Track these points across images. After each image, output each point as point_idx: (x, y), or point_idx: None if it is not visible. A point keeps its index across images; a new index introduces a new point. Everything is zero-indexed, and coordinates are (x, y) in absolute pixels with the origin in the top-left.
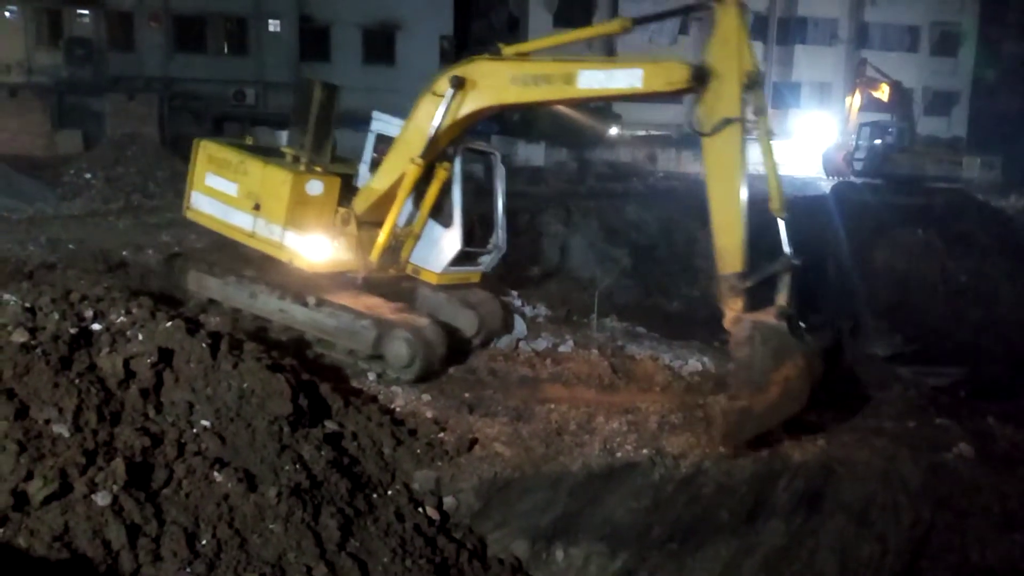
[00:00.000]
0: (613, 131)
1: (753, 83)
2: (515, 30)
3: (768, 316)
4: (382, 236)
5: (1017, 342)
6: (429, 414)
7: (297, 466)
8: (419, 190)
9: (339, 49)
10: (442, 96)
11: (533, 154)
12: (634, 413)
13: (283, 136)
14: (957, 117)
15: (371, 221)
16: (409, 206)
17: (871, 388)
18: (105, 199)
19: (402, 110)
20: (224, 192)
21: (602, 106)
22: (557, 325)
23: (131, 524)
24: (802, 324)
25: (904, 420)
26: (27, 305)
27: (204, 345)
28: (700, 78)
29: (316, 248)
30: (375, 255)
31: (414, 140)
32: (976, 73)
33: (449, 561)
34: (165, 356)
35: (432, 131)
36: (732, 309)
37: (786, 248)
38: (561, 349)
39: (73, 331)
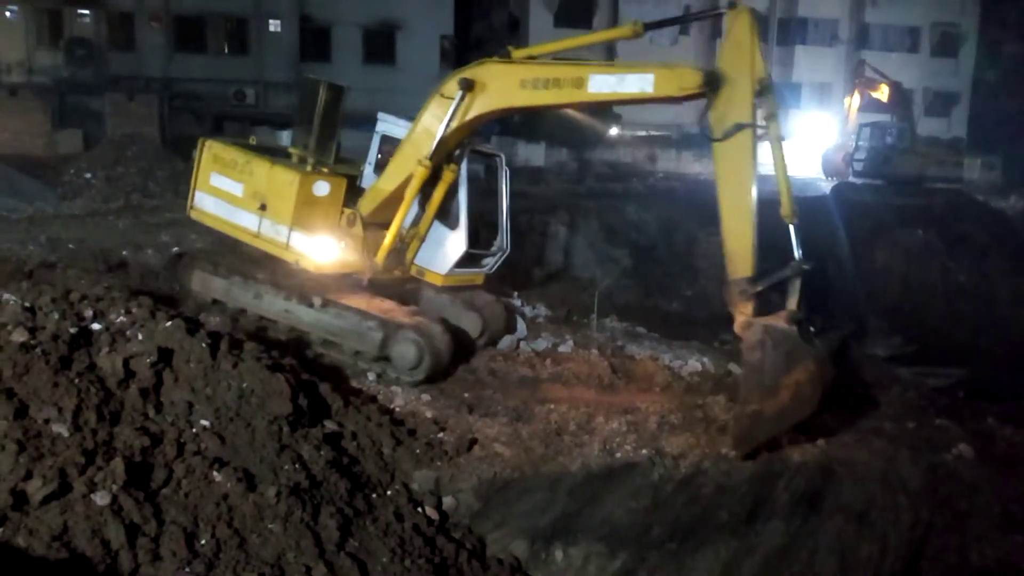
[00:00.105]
0: (613, 131)
1: (765, 88)
2: (516, 30)
3: (779, 320)
4: (388, 238)
5: (1017, 343)
6: (429, 414)
7: (296, 466)
8: (425, 192)
9: (339, 49)
10: (451, 98)
11: (533, 154)
12: (633, 413)
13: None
14: (957, 118)
15: (376, 222)
16: (415, 208)
17: (871, 389)
18: (105, 199)
19: (403, 110)
20: (229, 192)
21: None
22: (557, 325)
23: (130, 524)
24: (812, 328)
25: (904, 421)
26: (27, 304)
27: (204, 345)
28: (712, 83)
29: (322, 249)
30: (381, 256)
31: (422, 142)
32: (976, 74)
33: (448, 561)
34: (165, 356)
35: (440, 133)
36: (742, 313)
37: (796, 253)
38: (561, 349)
39: (73, 331)
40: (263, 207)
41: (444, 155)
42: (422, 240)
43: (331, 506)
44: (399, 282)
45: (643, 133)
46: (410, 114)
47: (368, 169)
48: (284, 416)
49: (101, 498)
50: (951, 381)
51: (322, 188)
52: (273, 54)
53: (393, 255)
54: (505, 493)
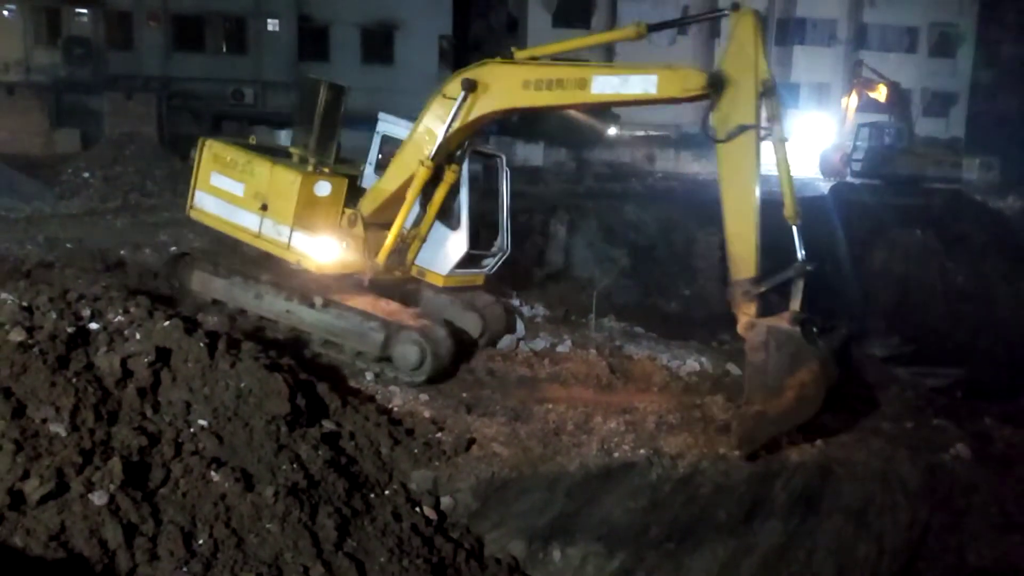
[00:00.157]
0: (612, 131)
1: (768, 90)
2: (514, 30)
3: (782, 321)
4: (390, 238)
5: (1015, 343)
6: (427, 414)
7: (294, 466)
8: (426, 192)
9: (338, 49)
10: (453, 99)
11: (532, 154)
12: (632, 413)
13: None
14: (955, 118)
15: (377, 222)
16: (416, 208)
17: (869, 389)
18: (103, 198)
19: (402, 110)
20: (230, 192)
21: None
22: (555, 325)
23: (128, 523)
24: (815, 329)
25: (902, 421)
26: (24, 304)
27: (202, 344)
28: (716, 85)
29: (324, 249)
30: (382, 257)
31: (424, 142)
32: (974, 74)
33: (446, 561)
34: (163, 355)
35: (442, 134)
36: (746, 314)
37: (799, 254)
38: (559, 349)
39: (70, 330)
40: (264, 207)
41: (446, 156)
42: (423, 241)
43: (329, 506)
44: (399, 283)
45: (642, 133)
46: (409, 114)
47: (368, 169)
48: (282, 416)
49: (99, 498)
50: (949, 381)
51: (323, 188)
52: (271, 53)
53: (394, 255)
54: (503, 493)
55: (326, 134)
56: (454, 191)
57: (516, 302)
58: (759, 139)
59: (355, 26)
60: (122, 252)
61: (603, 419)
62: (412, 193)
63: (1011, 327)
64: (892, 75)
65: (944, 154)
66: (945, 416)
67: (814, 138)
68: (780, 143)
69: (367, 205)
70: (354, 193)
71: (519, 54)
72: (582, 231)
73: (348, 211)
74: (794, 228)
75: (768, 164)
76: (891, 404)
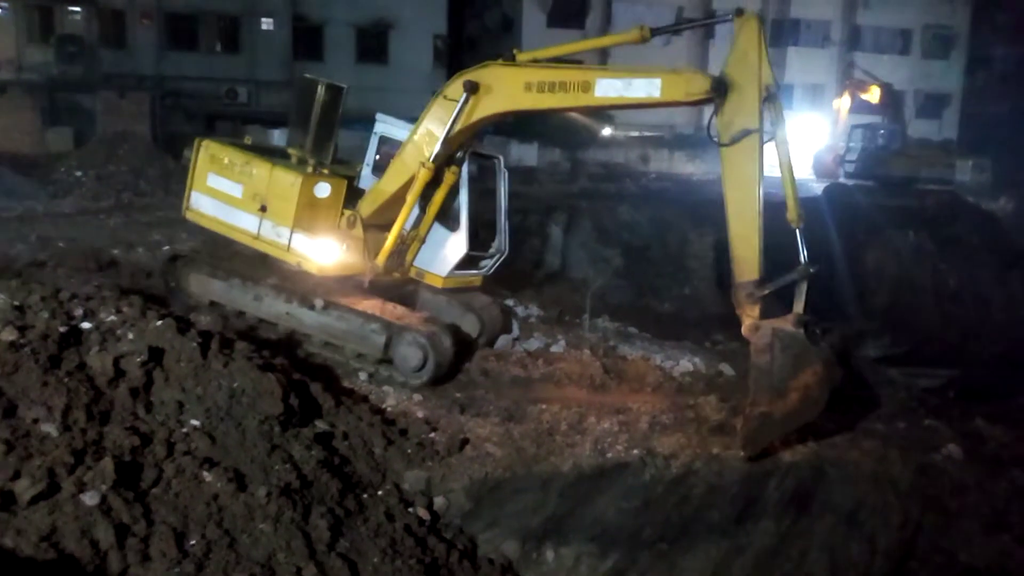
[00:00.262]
0: (606, 131)
1: (771, 95)
2: (509, 30)
3: (786, 323)
4: (390, 240)
5: (1006, 344)
6: (420, 414)
7: (287, 466)
8: (425, 193)
9: (332, 48)
10: (454, 101)
11: (526, 154)
12: (625, 413)
13: (275, 134)
14: (948, 119)
15: (376, 224)
16: (415, 209)
17: (862, 389)
18: (96, 197)
19: (396, 109)
20: (227, 193)
21: None
22: (549, 325)
23: (119, 524)
24: (818, 330)
25: (894, 421)
26: (16, 303)
27: (194, 344)
28: (719, 89)
29: (324, 251)
30: (382, 258)
31: (424, 144)
32: (967, 76)
33: (439, 561)
34: (155, 355)
35: (443, 136)
36: (749, 316)
37: (802, 256)
38: (553, 349)
39: (63, 330)
40: (263, 209)
41: (447, 157)
42: (422, 242)
43: (322, 506)
44: (398, 284)
45: (636, 133)
46: (403, 113)
47: (366, 170)
48: (275, 416)
49: (90, 498)
50: (941, 382)
51: (323, 190)
52: (265, 53)
53: (393, 257)
54: (496, 493)
55: (323, 135)
56: (453, 192)
57: (510, 302)
58: (762, 143)
59: (350, 25)
60: (115, 251)
61: (597, 419)
62: (413, 195)
63: (1003, 328)
64: (885, 77)
65: (937, 156)
66: (937, 416)
67: (807, 139)
68: (783, 147)
69: (366, 207)
70: (352, 194)
71: (521, 56)
72: (576, 231)
73: (347, 212)
74: (797, 231)
75: (768, 165)
76: (883, 404)
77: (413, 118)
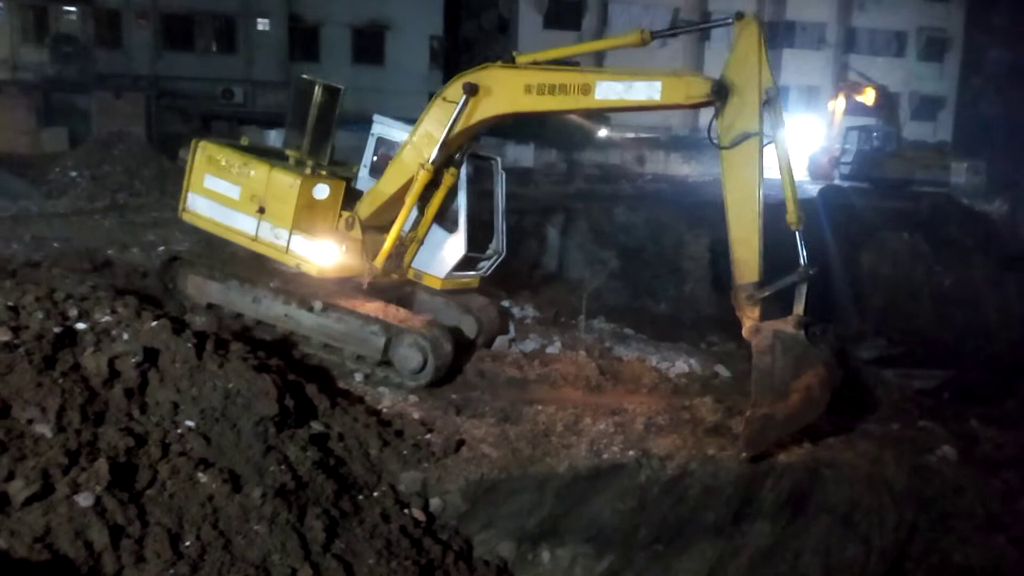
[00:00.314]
0: (602, 133)
1: (771, 98)
2: (505, 32)
3: (787, 325)
4: (388, 241)
5: (1000, 345)
6: (416, 415)
7: (282, 467)
8: (423, 195)
9: (328, 49)
10: (454, 102)
11: (522, 155)
12: (621, 414)
13: (271, 135)
14: (943, 122)
15: (374, 225)
16: (413, 211)
17: (857, 390)
18: (91, 197)
19: (392, 110)
20: (225, 195)
21: None
22: (545, 327)
23: (114, 525)
24: (818, 332)
25: (888, 422)
26: (10, 304)
27: (189, 345)
28: (720, 92)
29: (323, 253)
30: (380, 260)
31: (423, 146)
32: (962, 78)
33: (435, 563)
34: (150, 356)
35: (443, 137)
36: (750, 318)
37: (802, 258)
38: (549, 350)
39: (57, 330)
40: (261, 210)
41: (446, 159)
42: (420, 243)
43: (317, 507)
44: (396, 285)
45: (632, 135)
46: (399, 114)
47: (363, 172)
48: (270, 417)
49: (84, 499)
50: (936, 383)
51: (322, 191)
52: (261, 53)
53: (392, 258)
54: (492, 494)
55: (320, 136)
56: (452, 194)
57: (507, 303)
58: (762, 146)
59: (346, 26)
60: (110, 252)
61: (592, 420)
62: (412, 196)
63: (997, 330)
64: (880, 79)
65: (932, 158)
66: (931, 418)
67: (803, 141)
68: (782, 150)
69: (364, 208)
70: (349, 196)
71: (520, 58)
72: (572, 233)
73: (345, 214)
74: (797, 233)
75: (766, 167)
76: (878, 406)
77: (410, 119)
